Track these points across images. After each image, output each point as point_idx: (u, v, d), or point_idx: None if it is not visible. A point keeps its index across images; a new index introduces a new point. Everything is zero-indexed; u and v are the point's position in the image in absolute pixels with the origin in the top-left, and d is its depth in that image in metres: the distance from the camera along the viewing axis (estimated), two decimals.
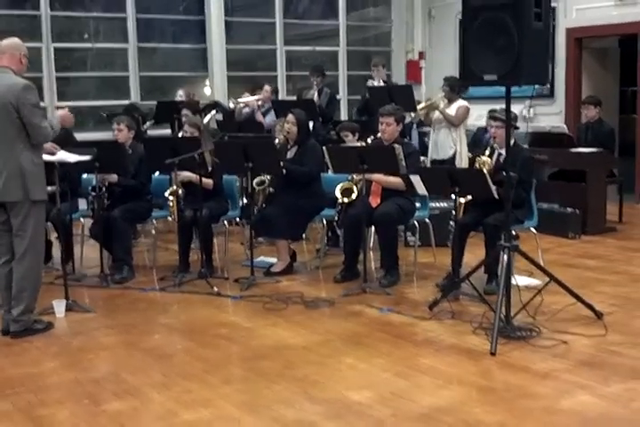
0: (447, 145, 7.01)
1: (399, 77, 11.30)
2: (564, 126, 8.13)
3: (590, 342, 3.98)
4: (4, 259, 4.28)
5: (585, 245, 6.45)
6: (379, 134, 5.48)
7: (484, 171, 4.72)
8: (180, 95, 8.41)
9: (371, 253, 5.96)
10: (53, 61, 9.09)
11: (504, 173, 4.37)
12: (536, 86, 8.35)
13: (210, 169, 5.56)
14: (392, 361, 3.81)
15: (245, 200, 6.31)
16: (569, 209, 6.72)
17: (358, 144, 5.69)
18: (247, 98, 8.26)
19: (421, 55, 11.59)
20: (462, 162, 6.86)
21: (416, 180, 4.96)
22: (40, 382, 3.63)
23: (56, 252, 5.97)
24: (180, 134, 7.22)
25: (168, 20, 10.19)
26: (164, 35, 10.37)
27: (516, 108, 9.23)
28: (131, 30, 9.63)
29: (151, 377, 3.64)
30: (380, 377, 3.59)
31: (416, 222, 5.61)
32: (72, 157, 4.59)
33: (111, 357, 4.00)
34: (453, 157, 6.96)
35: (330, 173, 5.81)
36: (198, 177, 5.42)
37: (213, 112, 7.95)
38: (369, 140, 5.46)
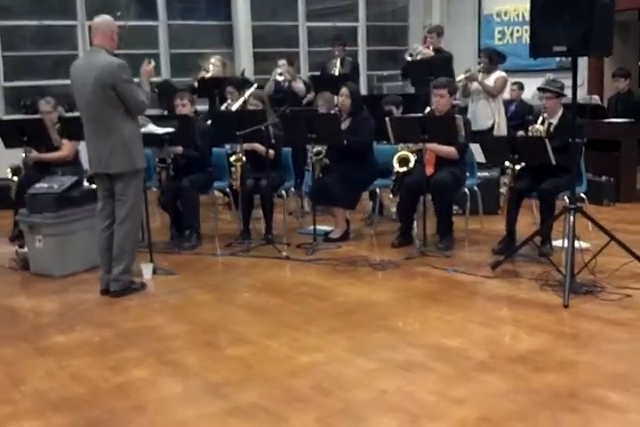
0: (486, 116, 7.27)
1: None
2: (597, 97, 8.42)
3: None
4: (107, 223, 4.60)
5: (620, 211, 6.81)
6: (427, 108, 5.79)
7: (544, 137, 5.02)
8: (215, 64, 8.59)
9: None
10: (88, 39, 9.27)
11: (565, 139, 4.70)
12: (557, 59, 8.77)
13: (273, 141, 5.84)
14: (473, 313, 4.17)
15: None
16: (603, 177, 7.05)
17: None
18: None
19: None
20: (500, 132, 7.15)
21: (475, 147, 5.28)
22: (157, 333, 3.96)
23: None
24: (222, 108, 7.54)
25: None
26: (188, 12, 10.54)
27: (537, 81, 9.62)
28: (161, 8, 9.82)
29: (257, 328, 3.98)
30: (468, 327, 3.93)
31: (467, 190, 5.93)
32: (160, 129, 4.87)
33: (212, 311, 4.33)
34: (492, 128, 7.24)
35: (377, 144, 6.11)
36: (263, 147, 5.72)
37: (253, 88, 8.17)
38: (425, 112, 5.75)
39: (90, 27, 8.91)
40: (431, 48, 7.69)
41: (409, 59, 7.71)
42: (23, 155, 6.28)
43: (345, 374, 3.35)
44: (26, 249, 5.36)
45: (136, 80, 4.59)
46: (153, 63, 4.77)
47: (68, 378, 3.39)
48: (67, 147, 6.30)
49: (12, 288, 5.06)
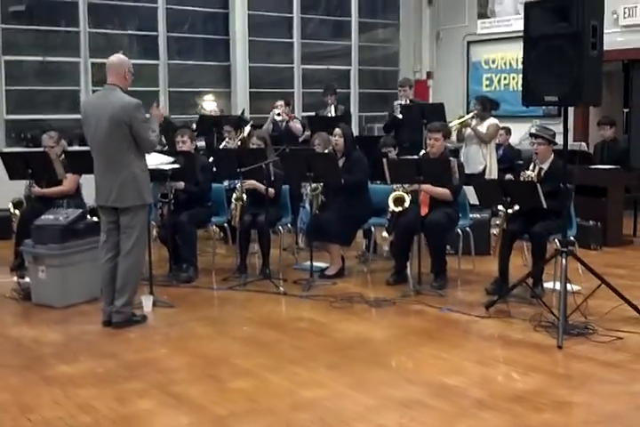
0: (477, 160, 7.51)
1: None
2: (584, 144, 8.67)
3: None
4: (110, 255, 4.69)
5: (607, 255, 6.97)
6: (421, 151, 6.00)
7: (535, 182, 5.20)
8: (213, 110, 8.89)
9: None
10: (90, 75, 9.45)
11: (556, 184, 4.89)
12: (544, 106, 9.06)
13: (273, 178, 5.99)
14: (468, 352, 4.28)
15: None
16: (591, 222, 7.24)
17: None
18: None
19: (429, 75, 12.16)
20: (492, 176, 7.37)
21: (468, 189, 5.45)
22: (159, 365, 4.03)
23: None
24: (221, 146, 7.73)
25: (196, 38, 10.66)
26: (189, 52, 10.79)
27: (523, 127, 9.93)
28: (161, 48, 10.06)
29: (258, 362, 4.06)
30: (464, 365, 4.03)
31: (459, 231, 6.08)
32: (166, 165, 5.01)
33: (213, 344, 4.41)
34: (483, 172, 7.46)
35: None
36: (263, 186, 5.88)
37: (249, 127, 8.36)
38: (420, 154, 5.94)
39: (92, 63, 9.34)
40: (407, 100, 8.10)
41: (400, 116, 7.97)
42: (26, 188, 6.36)
43: (347, 409, 3.43)
44: (27, 279, 5.43)
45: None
46: (162, 106, 4.93)
47: (74, 407, 3.44)
48: (69, 181, 6.40)
49: (15, 318, 5.13)
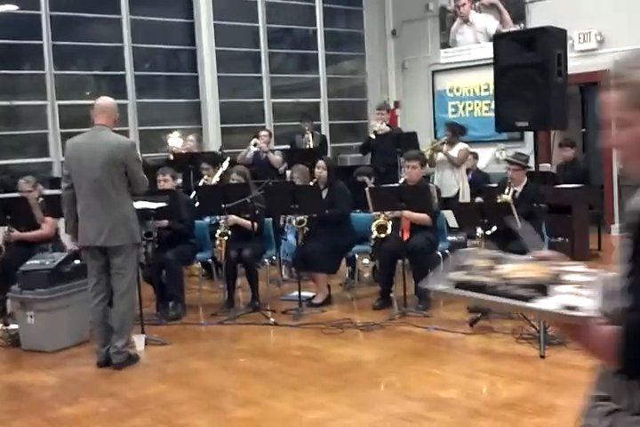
0: (451, 184, 7.79)
1: None
2: (548, 165, 9.02)
3: None
4: (101, 297, 4.78)
5: None
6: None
7: (511, 204, 5.46)
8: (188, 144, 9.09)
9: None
10: (58, 118, 9.56)
11: (529, 206, 5.15)
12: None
13: (257, 212, 6.16)
14: (458, 366, 4.49)
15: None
16: (559, 238, 7.53)
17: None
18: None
19: (397, 104, 12.49)
20: (465, 199, 7.63)
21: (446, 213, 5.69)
22: (162, 400, 4.13)
23: None
24: (200, 183, 7.88)
25: (164, 76, 10.88)
26: (157, 90, 10.99)
27: (489, 151, 10.26)
28: (129, 87, 10.23)
29: (259, 390, 4.19)
30: (456, 379, 4.24)
31: (439, 253, 6.30)
32: (152, 204, 5.17)
33: (212, 377, 4.53)
34: (457, 195, 7.73)
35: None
36: (247, 221, 6.05)
37: (226, 163, 8.54)
38: (400, 182, 6.18)
39: (59, 105, 9.41)
40: (384, 123, 8.36)
41: (373, 136, 8.26)
42: (5, 233, 6.38)
43: None
44: (14, 326, 5.46)
45: None
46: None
47: None
48: (48, 224, 6.43)
49: (7, 365, 5.13)
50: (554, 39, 4.69)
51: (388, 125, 8.46)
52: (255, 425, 3.68)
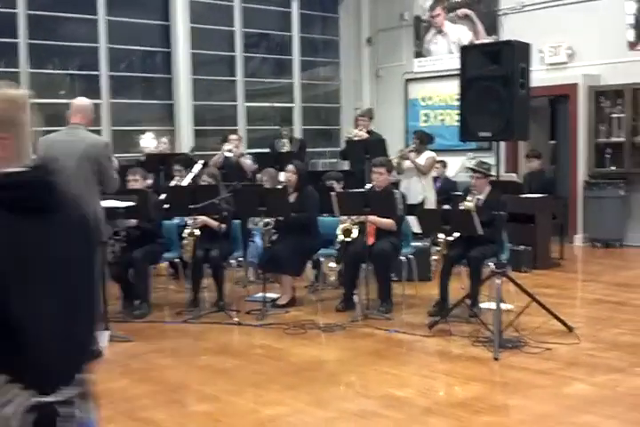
0: (417, 191, 7.95)
1: None
2: (514, 175, 9.23)
3: (569, 348, 4.87)
4: None
5: (538, 277, 7.45)
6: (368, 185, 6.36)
7: (472, 211, 5.62)
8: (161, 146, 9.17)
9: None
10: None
11: (491, 213, 5.32)
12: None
13: (225, 214, 6.26)
14: (416, 368, 4.62)
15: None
16: (521, 247, 7.72)
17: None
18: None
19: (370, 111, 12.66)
20: (430, 205, 7.79)
21: (410, 219, 5.83)
22: (125, 393, 4.21)
23: None
24: (171, 184, 7.95)
25: (139, 77, 10.93)
26: (132, 91, 11.03)
27: (459, 160, 10.46)
28: (103, 87, 10.27)
29: (221, 387, 4.28)
30: (412, 379, 4.37)
31: (403, 258, 6.44)
32: (121, 203, 5.25)
33: (174, 373, 4.61)
34: (422, 202, 7.88)
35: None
36: (216, 222, 6.15)
37: (200, 164, 8.62)
38: (367, 187, 6.31)
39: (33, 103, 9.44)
40: (364, 130, 8.41)
41: (346, 138, 8.41)
42: None
43: (306, 423, 3.72)
44: None
45: None
46: None
47: None
48: None
49: None
50: (518, 53, 4.87)
51: (368, 132, 8.54)
52: (214, 419, 3.77)
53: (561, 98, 10.19)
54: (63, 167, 4.60)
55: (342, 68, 12.73)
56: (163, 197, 6.55)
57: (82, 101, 4.94)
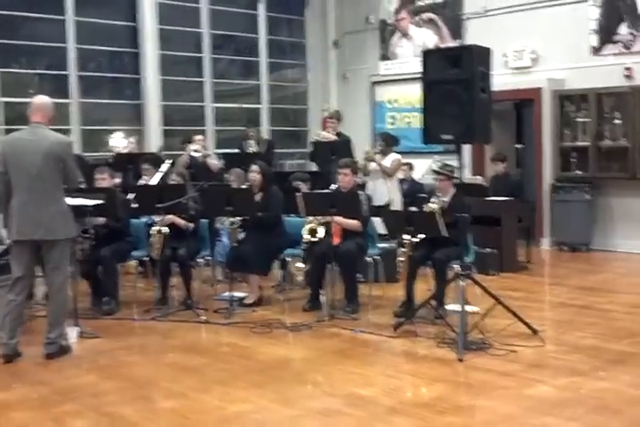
0: (383, 193, 8.03)
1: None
2: (480, 178, 9.36)
3: (533, 351, 4.95)
4: (26, 291, 4.91)
5: (504, 280, 7.57)
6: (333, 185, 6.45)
7: (436, 213, 5.71)
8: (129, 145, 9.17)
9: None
10: (2, 115, 9.49)
11: (454, 215, 5.41)
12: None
13: (192, 213, 6.29)
14: (381, 368, 4.70)
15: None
16: (487, 250, 7.84)
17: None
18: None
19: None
20: (396, 207, 7.88)
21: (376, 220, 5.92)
22: (92, 389, 4.25)
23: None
24: (139, 183, 7.94)
25: (107, 77, 10.87)
26: (100, 90, 10.96)
27: (425, 163, 10.58)
28: (72, 87, 10.20)
29: (188, 384, 4.32)
30: (377, 378, 4.45)
31: (369, 259, 6.52)
32: (89, 201, 5.26)
33: (142, 370, 4.64)
34: (388, 204, 7.97)
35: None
36: (183, 221, 6.18)
37: (168, 163, 8.61)
38: (332, 188, 6.38)
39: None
40: (333, 132, 8.52)
41: (313, 140, 8.50)
42: None
43: (271, 420, 3.78)
44: None
45: None
46: None
47: None
48: None
49: None
50: (478, 57, 4.98)
51: (337, 134, 8.60)
52: (180, 415, 3.81)
53: (526, 102, 10.36)
54: (29, 165, 4.68)
55: (309, 70, 12.80)
56: (131, 195, 6.54)
57: (41, 100, 4.93)
